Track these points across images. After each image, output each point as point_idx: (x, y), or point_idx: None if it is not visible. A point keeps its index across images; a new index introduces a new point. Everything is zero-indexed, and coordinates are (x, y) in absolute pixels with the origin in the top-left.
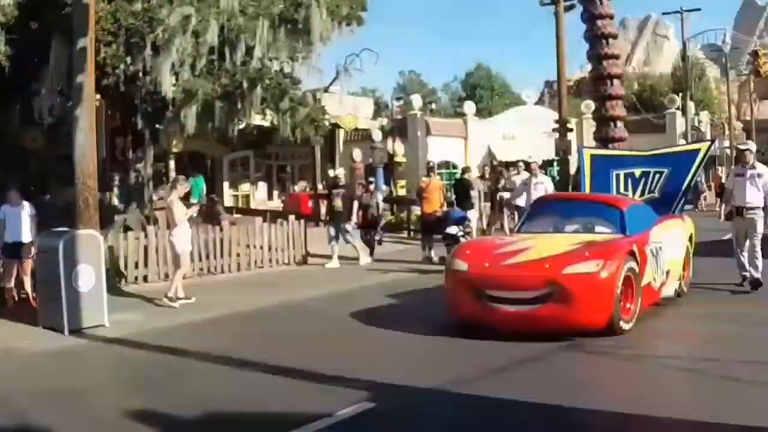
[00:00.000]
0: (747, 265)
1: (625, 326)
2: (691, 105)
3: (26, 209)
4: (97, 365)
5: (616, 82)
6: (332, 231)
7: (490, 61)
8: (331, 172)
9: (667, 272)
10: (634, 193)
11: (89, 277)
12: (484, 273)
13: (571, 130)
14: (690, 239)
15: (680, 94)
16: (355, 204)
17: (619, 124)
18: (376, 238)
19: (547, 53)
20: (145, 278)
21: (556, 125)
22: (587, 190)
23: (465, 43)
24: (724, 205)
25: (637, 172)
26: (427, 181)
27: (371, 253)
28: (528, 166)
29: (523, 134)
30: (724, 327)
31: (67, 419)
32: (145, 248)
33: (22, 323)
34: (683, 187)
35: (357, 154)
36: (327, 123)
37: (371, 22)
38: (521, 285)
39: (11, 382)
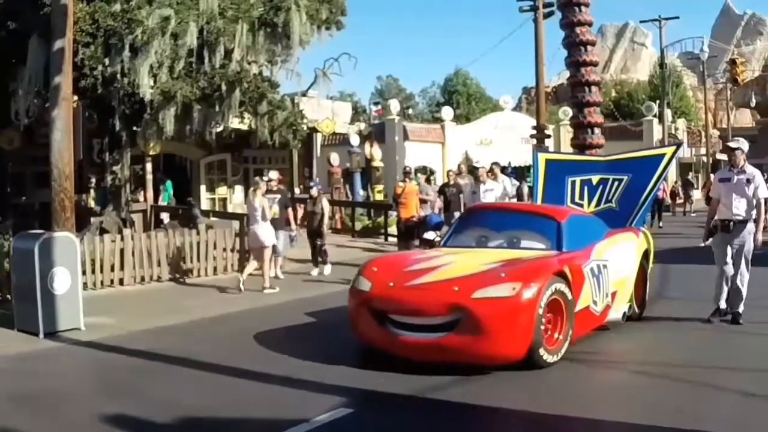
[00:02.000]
0: (726, 295)
1: (550, 358)
2: (668, 112)
3: None
4: (72, 369)
5: (594, 89)
6: None
7: (468, 67)
8: (266, 176)
9: (614, 294)
10: (589, 202)
11: (65, 280)
12: (387, 294)
13: (548, 136)
14: (645, 256)
15: (657, 101)
16: (289, 211)
17: (597, 130)
18: (324, 247)
19: (525, 60)
20: (121, 281)
21: (534, 131)
22: (539, 198)
23: (443, 49)
24: (707, 222)
25: (595, 179)
26: (403, 186)
27: (325, 262)
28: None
29: (501, 140)
30: (662, 357)
31: (40, 424)
32: (122, 251)
33: None
34: (643, 197)
35: (335, 158)
36: (305, 127)
37: (349, 27)
38: (425, 310)
39: None
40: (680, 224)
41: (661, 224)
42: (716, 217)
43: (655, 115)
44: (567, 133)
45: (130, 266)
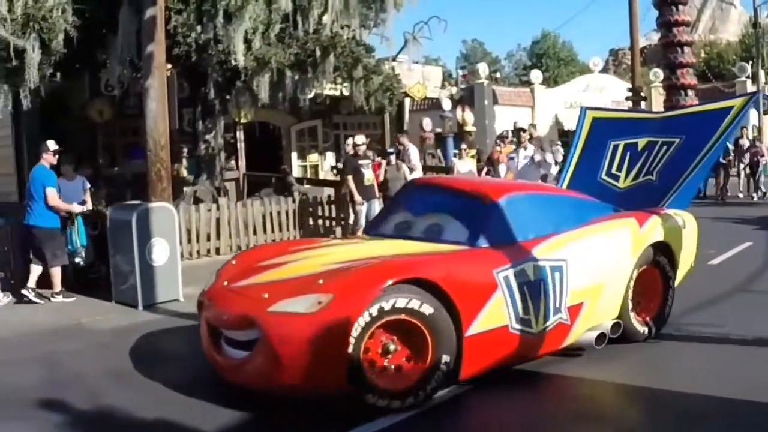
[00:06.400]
0: None
1: (390, 404)
2: (761, 73)
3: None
4: (173, 341)
5: (686, 49)
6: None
7: (558, 30)
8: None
9: (575, 307)
10: (627, 173)
11: (163, 251)
12: (210, 297)
13: (645, 98)
14: (665, 252)
15: (750, 62)
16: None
17: (690, 92)
18: None
19: (610, 21)
20: (217, 251)
21: (628, 93)
22: (570, 169)
23: (527, 11)
24: None
25: (642, 142)
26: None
27: None
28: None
29: (591, 103)
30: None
31: (140, 398)
32: (218, 220)
33: (94, 298)
34: (691, 166)
35: (427, 123)
36: (401, 92)
37: None
38: (231, 321)
39: (84, 358)
40: None
41: (756, 195)
42: None
43: (748, 76)
44: (659, 95)
45: (226, 235)
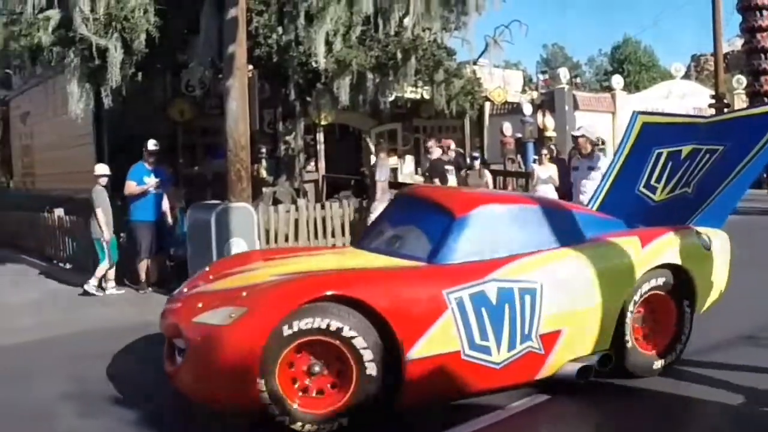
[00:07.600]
0: None
1: (305, 426)
2: None
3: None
4: None
5: None
6: None
7: (639, 35)
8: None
9: (550, 336)
10: (666, 185)
11: (241, 250)
12: (169, 303)
13: (728, 105)
14: (681, 277)
15: None
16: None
17: None
18: None
19: (692, 26)
20: None
21: (711, 100)
22: (609, 180)
23: (610, 16)
24: None
25: (686, 150)
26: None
27: None
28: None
29: (672, 109)
30: None
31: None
32: (296, 221)
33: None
34: (729, 177)
35: (507, 127)
36: (482, 95)
37: None
38: (169, 328)
39: (147, 358)
40: None
41: None
42: None
43: None
44: (742, 103)
45: (305, 237)
